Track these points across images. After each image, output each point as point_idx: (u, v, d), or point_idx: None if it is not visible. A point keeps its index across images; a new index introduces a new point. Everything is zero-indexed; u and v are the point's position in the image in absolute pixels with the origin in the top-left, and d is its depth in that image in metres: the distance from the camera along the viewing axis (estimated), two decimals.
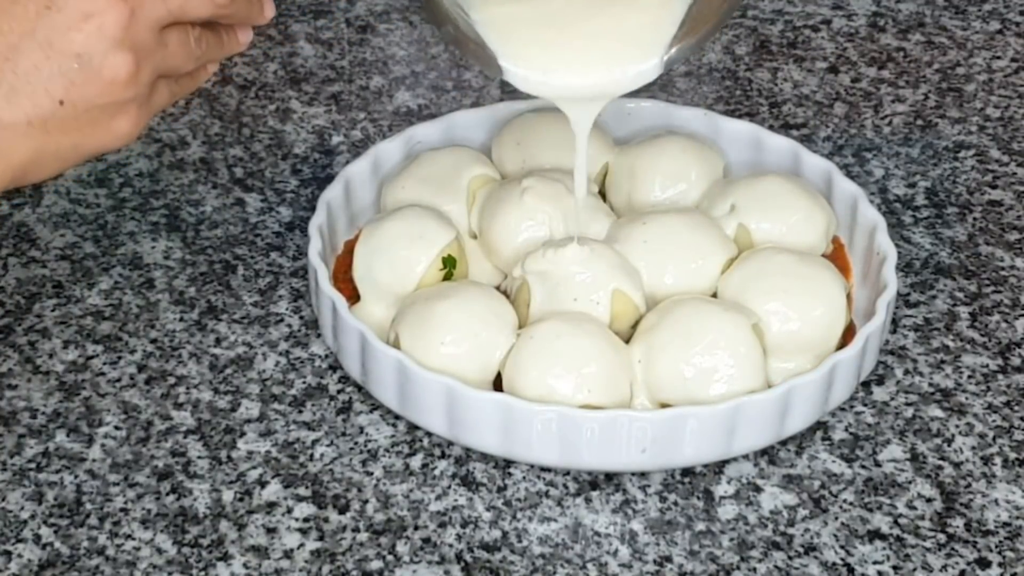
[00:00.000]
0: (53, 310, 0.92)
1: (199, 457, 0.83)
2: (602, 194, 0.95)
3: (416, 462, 0.83)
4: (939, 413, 0.87)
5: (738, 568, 0.78)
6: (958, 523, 0.81)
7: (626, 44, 0.80)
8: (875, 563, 0.79)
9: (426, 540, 0.79)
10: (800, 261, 0.87)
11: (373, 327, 0.84)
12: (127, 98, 0.71)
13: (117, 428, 0.85)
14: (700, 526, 0.80)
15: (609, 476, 0.83)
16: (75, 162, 0.73)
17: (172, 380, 0.88)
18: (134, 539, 0.79)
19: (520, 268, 0.85)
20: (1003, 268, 0.96)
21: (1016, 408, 0.87)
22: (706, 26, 0.79)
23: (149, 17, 0.71)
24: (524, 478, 0.83)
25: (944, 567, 0.79)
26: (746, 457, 0.84)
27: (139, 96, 0.72)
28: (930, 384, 0.89)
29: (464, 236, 0.91)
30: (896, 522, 0.81)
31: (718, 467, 0.83)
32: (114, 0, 0.69)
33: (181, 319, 0.91)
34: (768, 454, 0.84)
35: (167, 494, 0.81)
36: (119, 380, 0.87)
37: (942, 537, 0.80)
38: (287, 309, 0.92)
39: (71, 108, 0.70)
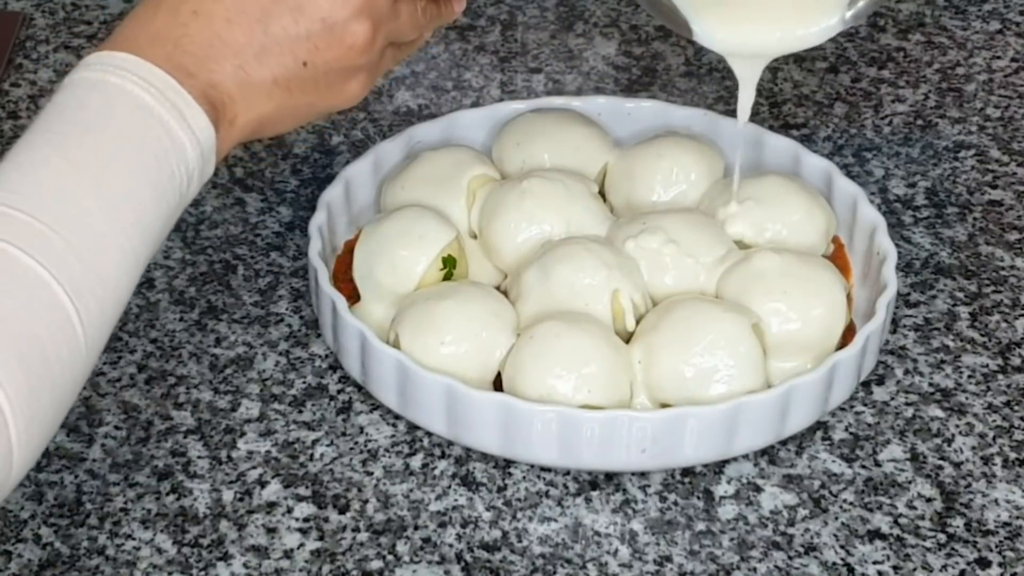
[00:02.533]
0: None
1: (199, 457, 0.83)
2: (602, 194, 0.94)
3: (416, 462, 0.83)
4: (939, 413, 0.87)
5: (738, 568, 0.78)
6: (958, 523, 0.81)
7: (808, 3, 0.85)
8: (875, 563, 0.79)
9: (426, 540, 0.79)
10: (800, 261, 0.87)
11: (373, 327, 0.84)
12: (362, 63, 0.75)
13: (117, 428, 0.85)
14: (700, 526, 0.80)
15: (609, 476, 0.83)
16: (308, 120, 0.77)
17: (172, 380, 0.88)
18: (134, 539, 0.79)
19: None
20: (1003, 268, 0.96)
21: (1016, 408, 0.87)
22: None
23: None
24: (524, 478, 0.83)
25: (944, 567, 0.79)
26: (746, 457, 0.84)
27: (371, 62, 0.76)
28: (930, 384, 0.89)
29: (464, 236, 0.91)
30: (896, 522, 0.81)
31: (718, 467, 0.83)
32: None
33: (181, 319, 0.91)
34: (768, 454, 0.84)
35: (167, 494, 0.81)
36: (119, 380, 0.87)
37: (942, 537, 0.80)
38: (287, 309, 0.92)
39: (312, 70, 0.73)
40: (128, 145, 0.68)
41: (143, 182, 0.68)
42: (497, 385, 0.84)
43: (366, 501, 0.81)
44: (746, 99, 0.89)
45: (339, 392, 0.87)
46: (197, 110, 0.70)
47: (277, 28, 0.72)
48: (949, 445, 0.85)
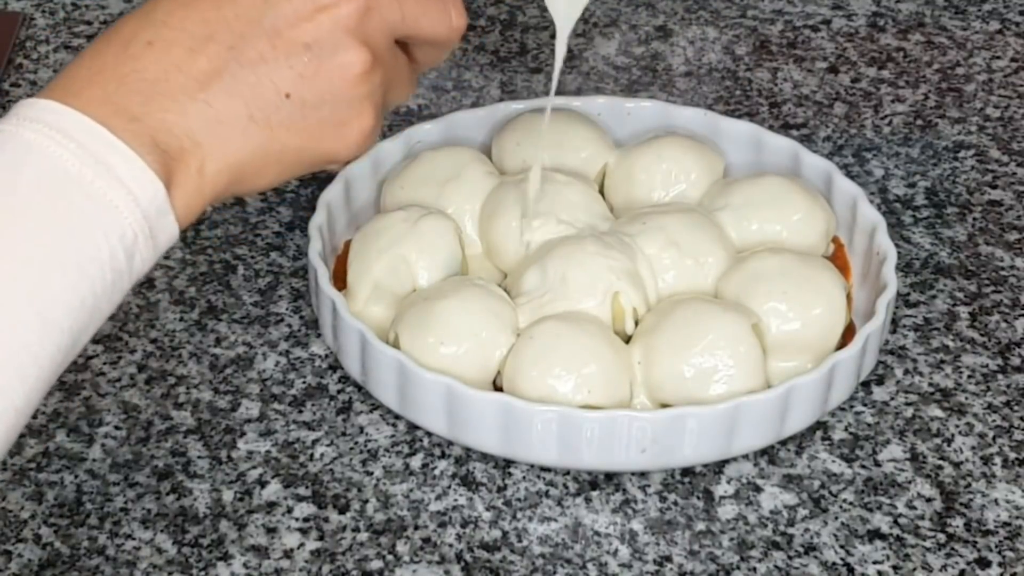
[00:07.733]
0: None
1: (199, 457, 0.83)
2: (602, 194, 0.94)
3: (416, 462, 0.83)
4: (939, 413, 0.87)
5: (738, 568, 0.78)
6: (958, 523, 0.81)
7: None
8: (875, 563, 0.79)
9: (426, 540, 0.79)
10: (800, 261, 0.87)
11: (373, 327, 0.84)
12: (360, 95, 0.65)
13: (117, 428, 0.85)
14: (700, 526, 0.80)
15: (609, 476, 0.83)
16: (297, 171, 0.66)
17: (172, 380, 0.88)
18: (134, 539, 0.79)
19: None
20: (1003, 268, 0.96)
21: (1016, 408, 0.87)
22: None
23: (385, 18, 0.65)
24: (524, 478, 0.83)
25: (944, 567, 0.79)
26: (746, 457, 0.84)
27: (373, 95, 0.66)
28: (930, 384, 0.89)
29: (464, 236, 0.91)
30: (896, 522, 0.81)
31: (718, 467, 0.83)
32: None
33: (181, 319, 0.91)
34: (768, 454, 0.84)
35: (167, 494, 0.81)
36: (119, 380, 0.87)
37: (942, 537, 0.80)
38: (287, 309, 0.92)
39: (298, 103, 0.63)
40: (29, 218, 0.56)
41: (49, 266, 0.56)
42: (497, 385, 0.84)
43: (366, 501, 0.81)
44: (561, 49, 0.82)
45: (339, 392, 0.87)
46: (137, 163, 0.58)
47: (252, 55, 0.62)
48: (949, 445, 0.85)
